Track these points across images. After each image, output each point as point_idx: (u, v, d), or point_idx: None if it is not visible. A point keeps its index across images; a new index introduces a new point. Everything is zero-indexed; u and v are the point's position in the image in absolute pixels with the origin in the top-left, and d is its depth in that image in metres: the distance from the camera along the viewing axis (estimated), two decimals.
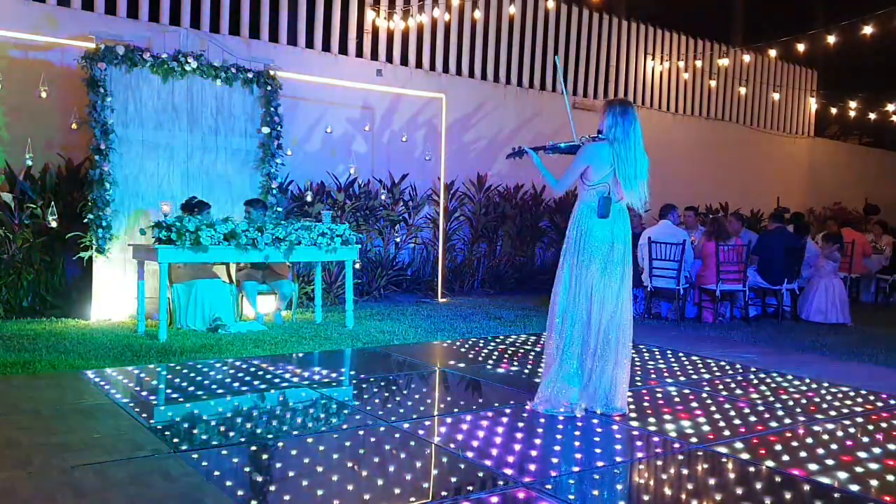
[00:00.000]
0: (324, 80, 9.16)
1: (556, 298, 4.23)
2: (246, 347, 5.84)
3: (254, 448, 3.47)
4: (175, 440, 3.52)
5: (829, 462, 3.46)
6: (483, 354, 5.83)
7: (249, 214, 6.99)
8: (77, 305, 7.12)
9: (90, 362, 5.13)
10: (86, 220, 6.95)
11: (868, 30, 10.05)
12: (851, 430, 4.05)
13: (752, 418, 4.20)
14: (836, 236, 9.19)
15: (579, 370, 4.15)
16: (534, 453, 3.44)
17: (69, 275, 7.34)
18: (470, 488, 3.02)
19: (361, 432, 3.76)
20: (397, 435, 3.71)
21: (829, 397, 4.79)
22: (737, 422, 4.11)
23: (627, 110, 4.16)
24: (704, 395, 4.74)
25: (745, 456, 3.53)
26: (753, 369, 5.63)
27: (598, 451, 3.53)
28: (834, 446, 3.73)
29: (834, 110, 15.61)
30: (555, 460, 3.38)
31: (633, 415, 4.15)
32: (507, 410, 4.22)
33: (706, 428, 3.97)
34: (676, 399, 4.61)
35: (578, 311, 4.13)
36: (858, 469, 3.38)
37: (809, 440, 3.82)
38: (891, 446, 3.76)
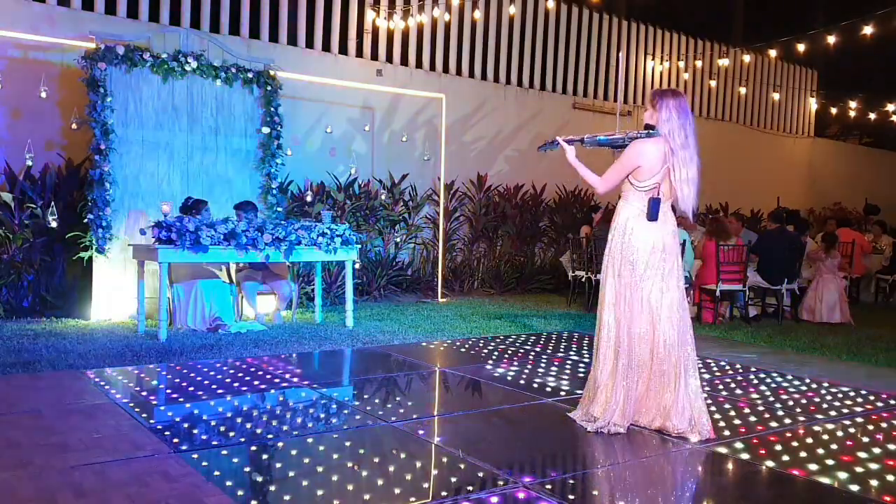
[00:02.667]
0: (324, 80, 9.16)
1: (603, 314, 3.87)
2: (246, 347, 5.84)
3: (254, 448, 3.46)
4: (175, 440, 3.52)
5: (829, 462, 3.46)
6: (483, 354, 5.83)
7: (241, 218, 6.85)
8: (77, 305, 7.12)
9: (90, 362, 5.13)
10: (86, 220, 6.95)
11: (868, 30, 10.05)
12: (851, 430, 4.05)
13: (752, 418, 4.19)
14: (831, 237, 9.19)
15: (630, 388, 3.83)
16: (534, 453, 3.44)
17: (69, 275, 7.34)
18: (470, 488, 3.02)
19: (361, 432, 3.76)
20: (397, 435, 3.71)
21: (829, 397, 4.79)
22: (737, 422, 4.11)
23: (682, 103, 3.78)
24: (704, 395, 4.74)
25: (745, 456, 3.53)
26: (753, 369, 5.62)
27: (598, 451, 3.53)
28: (834, 446, 3.73)
29: (834, 110, 15.61)
30: (555, 460, 3.38)
31: (694, 438, 3.92)
32: (507, 411, 4.21)
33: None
34: None
35: (637, 326, 3.77)
36: (858, 469, 3.38)
37: (809, 440, 3.81)
38: (891, 446, 3.76)
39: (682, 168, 3.73)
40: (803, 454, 3.57)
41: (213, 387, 4.56)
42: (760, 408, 4.44)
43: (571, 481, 3.17)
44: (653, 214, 3.75)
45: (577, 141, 4.08)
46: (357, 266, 8.09)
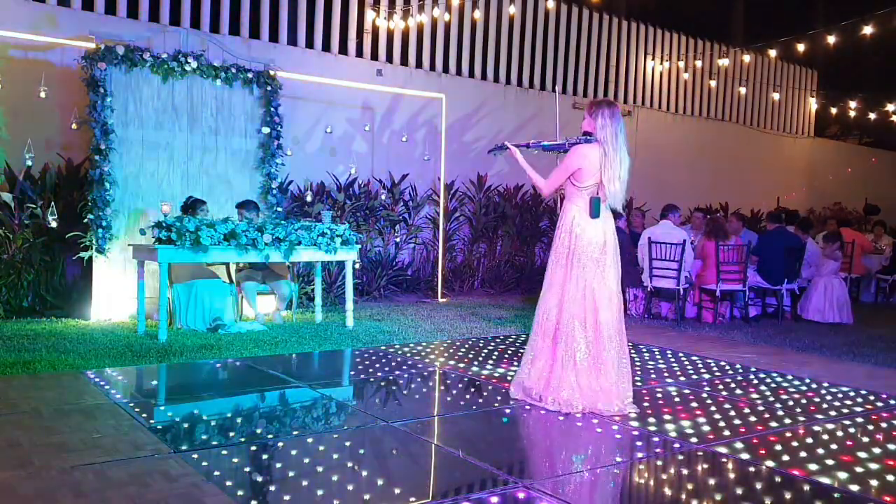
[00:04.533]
0: (324, 80, 9.15)
1: (550, 304, 4.30)
2: (246, 347, 5.84)
3: (254, 448, 3.47)
4: (175, 440, 3.52)
5: (829, 462, 3.47)
6: (483, 354, 5.83)
7: (242, 217, 6.92)
8: (77, 305, 7.12)
9: (90, 362, 5.13)
10: (86, 220, 6.95)
11: (868, 30, 10.05)
12: (851, 430, 4.05)
13: (752, 418, 4.20)
14: (836, 235, 9.19)
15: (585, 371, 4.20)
16: (534, 453, 3.45)
17: (69, 275, 7.34)
18: (470, 488, 3.02)
19: (361, 432, 3.76)
20: (397, 435, 3.71)
21: (829, 397, 4.79)
22: (737, 422, 4.11)
23: (615, 112, 4.24)
24: (704, 395, 4.74)
25: (745, 456, 3.53)
26: (753, 369, 5.62)
27: (598, 450, 3.53)
28: (834, 446, 3.73)
29: (834, 110, 15.60)
30: (555, 460, 3.38)
31: (632, 414, 4.16)
32: (507, 410, 4.21)
33: (706, 428, 3.97)
34: (676, 399, 4.61)
35: (580, 313, 4.19)
36: (858, 469, 3.38)
37: (809, 440, 3.82)
38: (891, 446, 3.76)
39: (613, 169, 4.19)
40: (803, 454, 3.58)
41: (213, 387, 4.56)
42: (760, 408, 4.44)
43: (572, 481, 3.17)
44: (594, 212, 4.22)
45: (523, 146, 4.60)
46: (357, 266, 8.08)
